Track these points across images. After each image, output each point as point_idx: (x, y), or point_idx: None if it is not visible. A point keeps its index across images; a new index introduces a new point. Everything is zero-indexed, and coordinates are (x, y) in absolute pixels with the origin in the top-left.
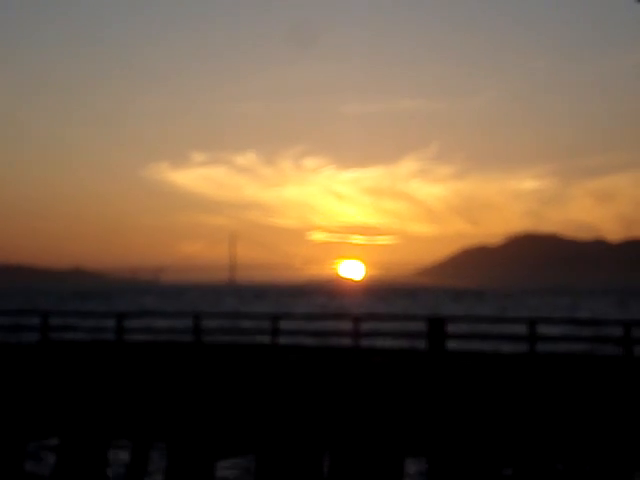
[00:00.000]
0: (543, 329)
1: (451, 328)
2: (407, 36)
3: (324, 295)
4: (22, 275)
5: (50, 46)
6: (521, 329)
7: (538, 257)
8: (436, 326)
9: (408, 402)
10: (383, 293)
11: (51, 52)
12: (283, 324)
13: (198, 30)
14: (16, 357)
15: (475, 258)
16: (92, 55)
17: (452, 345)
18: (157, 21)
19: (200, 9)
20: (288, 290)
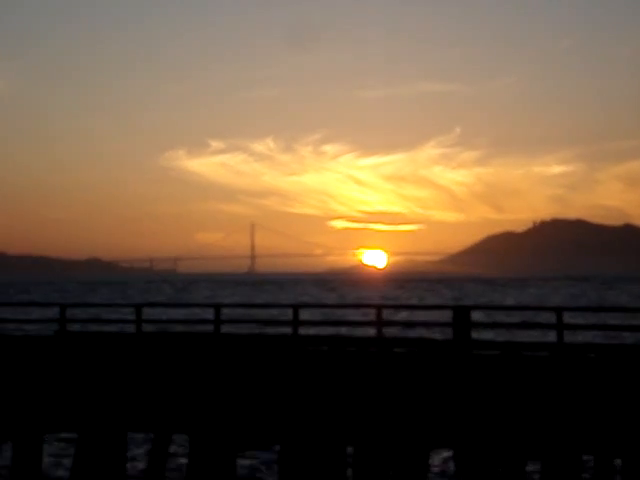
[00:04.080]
0: (571, 318)
1: (477, 317)
2: (428, 18)
3: (346, 284)
4: (39, 266)
5: (68, 36)
6: (548, 318)
7: (565, 243)
8: (461, 315)
9: (433, 393)
10: (407, 281)
11: (68, 42)
12: (304, 314)
13: (214, 16)
14: (34, 349)
15: (501, 245)
16: (108, 44)
17: (477, 334)
18: (173, 9)
19: None
20: (309, 279)
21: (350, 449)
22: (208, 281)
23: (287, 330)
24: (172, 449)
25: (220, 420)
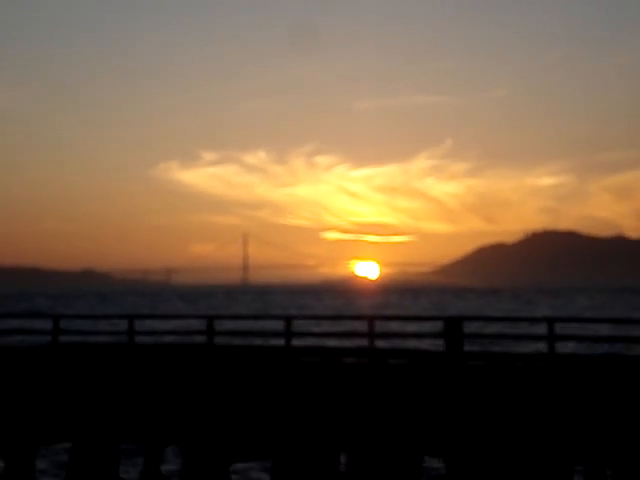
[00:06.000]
0: (563, 329)
1: (468, 328)
2: (420, 31)
3: (339, 295)
4: (32, 277)
5: (58, 47)
6: (540, 329)
7: (557, 254)
8: (453, 326)
9: (425, 403)
10: (398, 293)
11: (59, 53)
12: (297, 325)
13: (206, 27)
14: (27, 360)
15: (492, 256)
16: (99, 55)
17: (469, 346)
18: (165, 19)
19: (208, 6)
20: (302, 290)
21: (343, 460)
22: (202, 292)
23: (280, 342)
24: (165, 460)
25: (213, 432)
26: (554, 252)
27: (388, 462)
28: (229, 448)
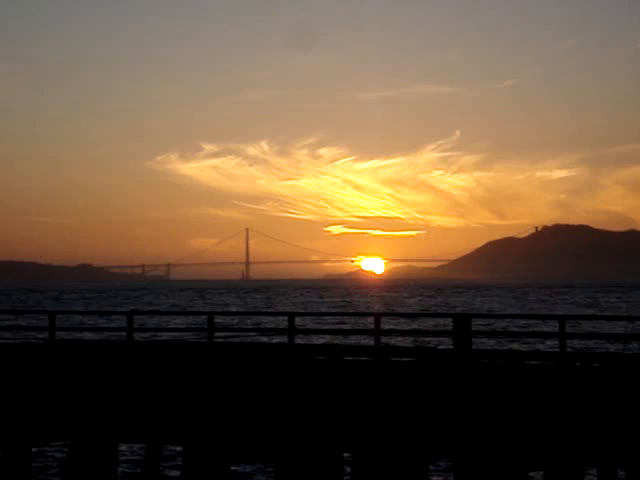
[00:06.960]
0: (574, 326)
1: (478, 325)
2: (427, 19)
3: (343, 290)
4: (30, 272)
5: (59, 38)
6: (551, 326)
7: (568, 249)
8: (462, 323)
9: (433, 402)
10: (406, 288)
11: (60, 44)
12: (300, 322)
13: (207, 18)
14: (22, 357)
15: (502, 251)
16: (100, 46)
17: (479, 343)
18: (164, 10)
19: None
20: (305, 286)
21: (348, 462)
22: (202, 287)
23: (283, 339)
24: (164, 460)
25: (213, 432)
26: (565, 247)
27: (394, 462)
28: (230, 448)
